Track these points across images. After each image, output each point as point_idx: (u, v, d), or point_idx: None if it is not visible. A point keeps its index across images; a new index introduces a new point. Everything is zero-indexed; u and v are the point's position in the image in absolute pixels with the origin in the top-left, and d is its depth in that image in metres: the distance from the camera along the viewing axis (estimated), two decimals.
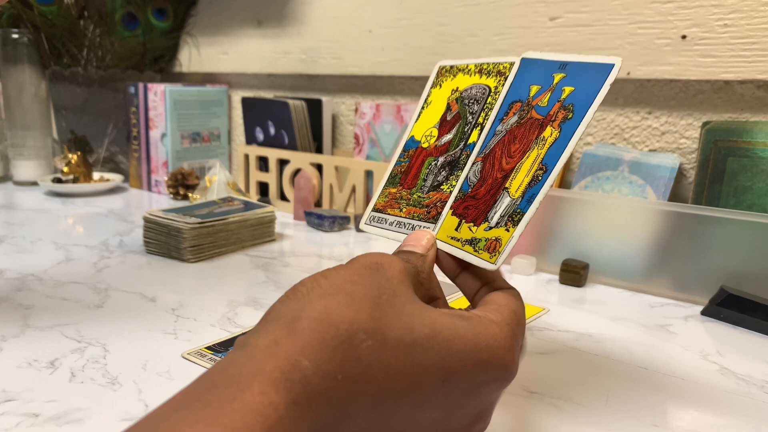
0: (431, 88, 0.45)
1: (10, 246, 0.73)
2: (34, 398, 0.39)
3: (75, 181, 1.08)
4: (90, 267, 0.66)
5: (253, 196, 1.03)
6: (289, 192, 0.96)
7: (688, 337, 0.52)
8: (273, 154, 0.99)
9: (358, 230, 0.86)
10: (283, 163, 0.99)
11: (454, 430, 0.29)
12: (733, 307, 0.55)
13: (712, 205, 0.64)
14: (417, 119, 0.44)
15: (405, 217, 0.40)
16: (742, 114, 0.71)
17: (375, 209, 0.42)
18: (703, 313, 0.57)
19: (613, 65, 0.34)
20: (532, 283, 0.66)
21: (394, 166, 0.43)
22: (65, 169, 1.08)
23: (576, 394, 0.41)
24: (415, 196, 0.40)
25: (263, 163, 1.02)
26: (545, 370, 0.45)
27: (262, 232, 0.78)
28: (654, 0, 0.72)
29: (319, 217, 0.86)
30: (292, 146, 0.99)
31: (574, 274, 0.64)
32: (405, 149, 0.43)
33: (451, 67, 0.44)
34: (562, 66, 0.37)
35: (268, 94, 1.18)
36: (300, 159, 0.95)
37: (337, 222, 0.85)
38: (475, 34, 0.87)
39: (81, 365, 0.43)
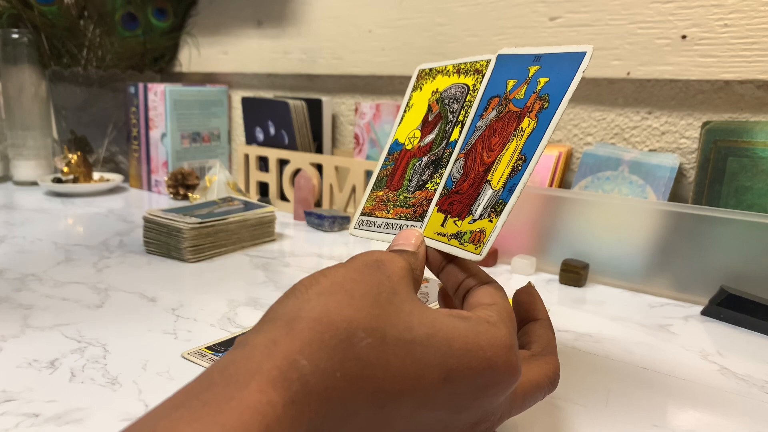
0: (412, 91, 0.46)
1: (10, 246, 0.73)
2: (34, 398, 0.39)
3: (75, 181, 1.08)
4: (90, 267, 0.66)
5: (253, 196, 1.03)
6: (289, 192, 0.96)
7: (688, 337, 0.52)
8: (273, 154, 0.99)
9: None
10: (283, 163, 0.99)
11: (459, 430, 0.29)
12: (733, 307, 0.55)
13: (712, 205, 0.64)
14: (400, 123, 0.45)
15: (392, 218, 0.41)
16: (742, 114, 0.71)
17: (363, 213, 0.43)
18: (703, 313, 0.57)
19: (584, 53, 0.35)
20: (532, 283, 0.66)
21: (380, 169, 0.44)
22: (65, 169, 1.08)
23: (576, 394, 0.41)
24: (401, 197, 0.41)
25: (263, 163, 1.02)
26: None
27: (262, 232, 0.78)
28: (654, 0, 0.72)
29: (319, 217, 0.86)
30: (292, 146, 0.99)
31: (574, 274, 0.64)
32: (389, 152, 0.44)
33: (431, 69, 0.45)
34: (537, 58, 0.38)
35: (268, 94, 1.18)
36: (300, 159, 0.95)
37: (337, 222, 0.85)
38: (475, 34, 0.87)
39: (81, 365, 0.43)
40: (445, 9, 0.89)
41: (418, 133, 0.43)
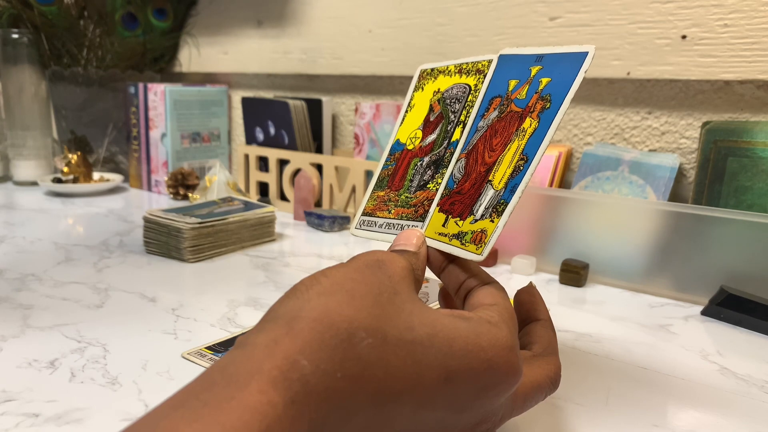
0: (414, 91, 0.46)
1: (10, 246, 0.73)
2: (34, 398, 0.39)
3: (75, 181, 1.08)
4: (90, 267, 0.66)
5: (253, 196, 1.03)
6: (289, 192, 0.96)
7: (688, 337, 0.52)
8: (273, 154, 0.99)
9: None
10: (283, 163, 0.99)
11: (460, 431, 0.29)
12: (733, 307, 0.55)
13: (712, 205, 0.64)
14: (401, 123, 0.45)
15: (394, 218, 0.41)
16: (742, 114, 0.71)
17: (364, 213, 0.43)
18: (703, 313, 0.57)
19: (586, 53, 0.35)
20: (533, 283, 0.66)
21: (381, 169, 0.44)
22: (65, 169, 1.08)
23: (576, 394, 0.41)
24: (402, 197, 0.41)
25: (263, 163, 1.02)
26: None
27: (262, 232, 0.78)
28: (654, 0, 0.72)
29: (319, 217, 0.86)
30: (292, 146, 0.99)
31: (574, 274, 0.64)
32: (391, 152, 0.44)
33: (432, 69, 0.45)
34: (539, 58, 0.38)
35: (268, 94, 1.18)
36: (300, 159, 0.95)
37: (337, 222, 0.85)
38: (475, 34, 0.87)
39: (81, 365, 0.43)
40: (445, 9, 0.89)
41: (420, 134, 0.43)
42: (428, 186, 0.40)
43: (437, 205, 0.38)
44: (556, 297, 0.61)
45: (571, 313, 0.57)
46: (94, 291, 0.58)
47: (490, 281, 0.34)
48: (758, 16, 0.66)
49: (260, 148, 1.02)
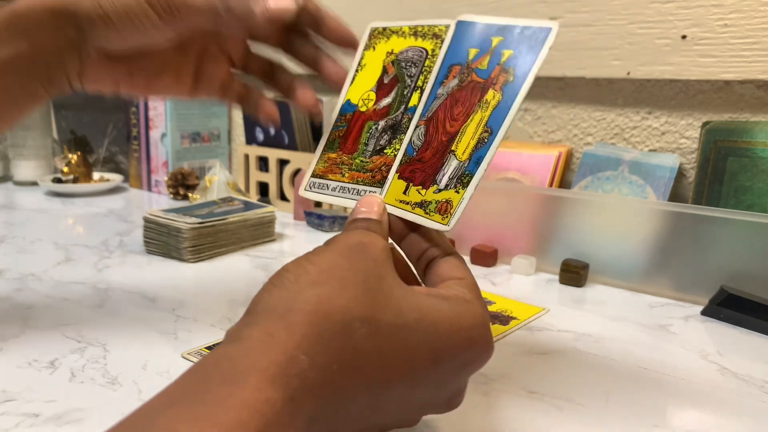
0: (364, 50, 0.44)
1: (10, 246, 0.73)
2: (34, 398, 0.39)
3: (75, 181, 1.08)
4: (90, 267, 0.66)
5: (253, 196, 1.03)
6: (289, 192, 0.96)
7: (688, 337, 0.52)
8: (273, 154, 0.99)
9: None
10: (283, 163, 0.99)
11: (437, 405, 0.30)
12: (733, 307, 0.55)
13: (712, 205, 0.64)
14: (351, 82, 0.43)
15: (348, 182, 0.39)
16: (742, 114, 0.71)
17: (314, 175, 0.42)
18: (703, 313, 0.57)
19: (550, 29, 0.34)
20: (532, 283, 0.66)
21: (332, 131, 0.42)
22: (65, 169, 1.08)
23: (576, 394, 0.41)
24: (357, 160, 0.40)
25: (263, 163, 1.02)
26: (545, 370, 0.45)
27: (262, 232, 0.78)
28: (654, 0, 0.72)
29: (319, 217, 0.86)
30: (292, 146, 0.99)
31: (574, 274, 0.64)
32: (341, 113, 0.42)
33: (384, 29, 0.44)
34: (500, 30, 0.37)
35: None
36: (300, 159, 0.95)
37: (337, 222, 0.85)
38: None
39: (81, 365, 0.43)
40: (445, 9, 0.89)
41: (373, 95, 0.41)
42: (385, 151, 0.39)
43: (396, 172, 0.37)
44: (556, 297, 0.61)
45: (571, 313, 0.57)
46: (94, 291, 0.58)
47: (452, 252, 0.34)
48: (758, 16, 0.66)
49: (260, 148, 1.02)
